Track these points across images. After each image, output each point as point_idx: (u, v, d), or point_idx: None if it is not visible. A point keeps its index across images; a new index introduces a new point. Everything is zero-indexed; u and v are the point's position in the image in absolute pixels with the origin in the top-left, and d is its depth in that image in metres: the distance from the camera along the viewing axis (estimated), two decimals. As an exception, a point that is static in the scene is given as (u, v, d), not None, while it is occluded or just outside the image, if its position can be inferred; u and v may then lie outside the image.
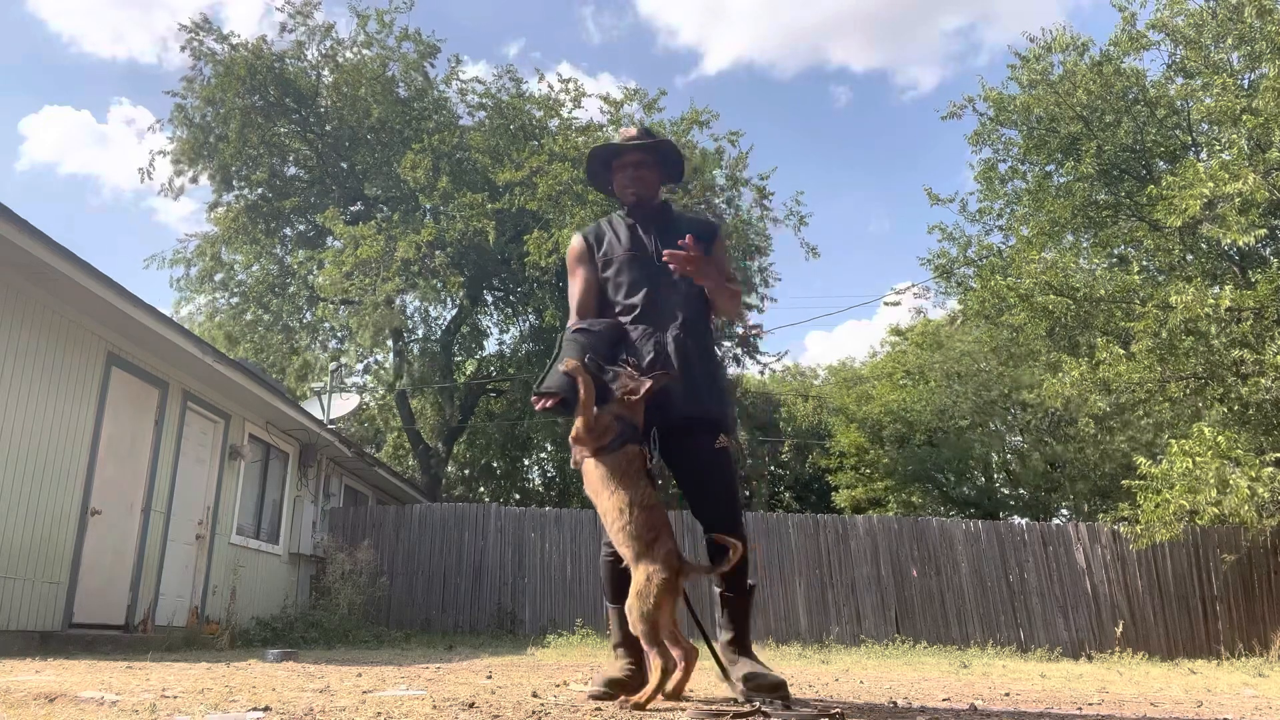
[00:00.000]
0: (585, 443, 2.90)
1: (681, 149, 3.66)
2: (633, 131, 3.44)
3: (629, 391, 2.90)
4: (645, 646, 2.66)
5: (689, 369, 3.07)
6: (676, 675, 2.66)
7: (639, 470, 2.84)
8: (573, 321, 3.25)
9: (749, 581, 3.21)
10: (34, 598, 6.61)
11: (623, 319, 3.21)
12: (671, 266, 3.02)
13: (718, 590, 3.18)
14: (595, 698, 2.92)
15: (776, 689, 2.87)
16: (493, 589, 12.12)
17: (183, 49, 17.13)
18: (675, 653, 2.63)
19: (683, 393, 3.03)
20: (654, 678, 2.61)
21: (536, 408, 3.02)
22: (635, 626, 2.66)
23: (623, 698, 2.77)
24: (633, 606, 2.67)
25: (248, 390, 9.23)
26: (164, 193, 17.98)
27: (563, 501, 21.84)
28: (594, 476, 2.88)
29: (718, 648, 3.11)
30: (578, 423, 2.91)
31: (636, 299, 3.22)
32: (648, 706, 2.59)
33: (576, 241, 3.42)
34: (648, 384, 2.91)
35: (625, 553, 2.79)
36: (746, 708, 2.70)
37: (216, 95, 16.89)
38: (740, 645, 3.13)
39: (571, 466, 3.08)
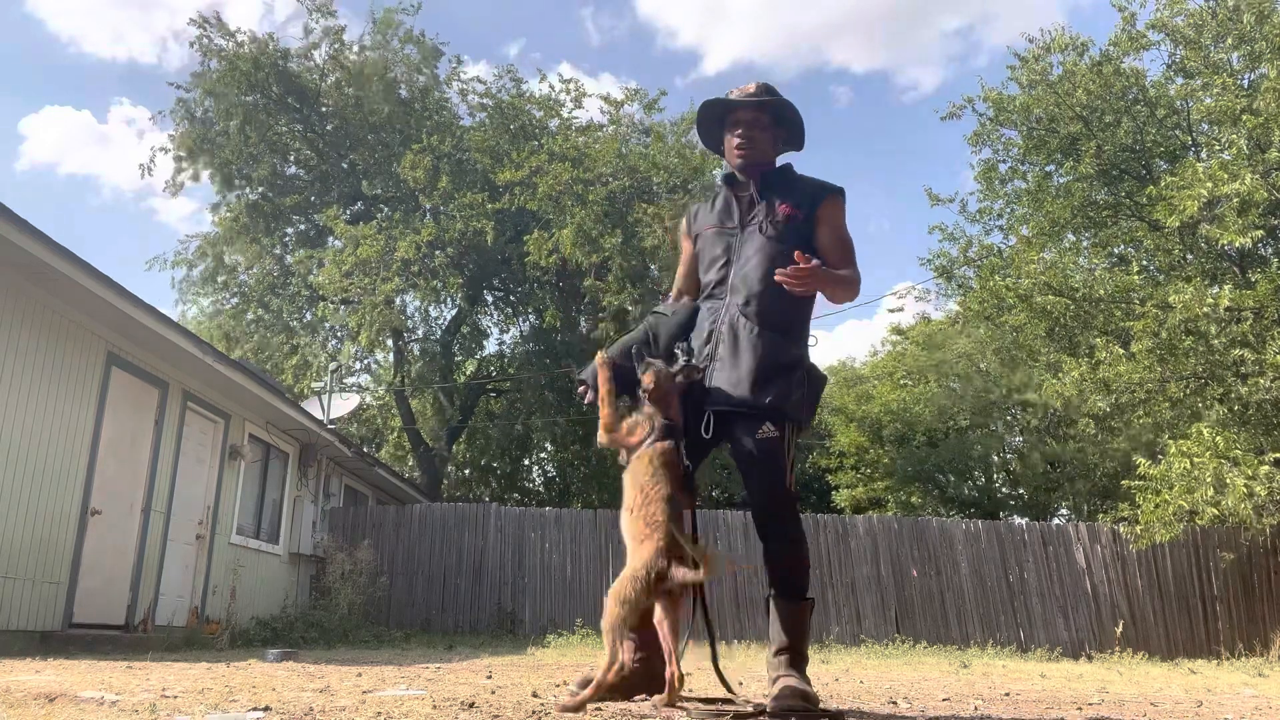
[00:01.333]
0: (618, 442, 2.87)
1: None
2: (752, 88, 3.13)
3: (646, 389, 2.87)
4: (605, 638, 2.58)
5: (737, 353, 2.91)
6: (591, 685, 2.54)
7: (660, 465, 2.75)
8: (667, 302, 3.26)
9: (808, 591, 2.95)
10: (34, 598, 6.61)
11: (701, 294, 3.13)
12: (786, 287, 2.80)
13: (768, 595, 2.95)
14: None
15: (805, 699, 2.68)
16: (493, 589, 12.12)
17: (192, 44, 17.17)
18: (607, 657, 2.51)
19: (729, 378, 2.89)
20: (598, 674, 2.55)
21: (579, 391, 3.06)
22: (604, 615, 2.59)
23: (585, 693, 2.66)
24: (609, 595, 2.59)
25: (248, 390, 9.23)
26: (167, 189, 17.96)
27: (563, 501, 21.81)
28: (626, 472, 2.84)
29: (766, 656, 2.95)
30: (600, 421, 2.89)
31: (712, 274, 3.08)
32: (584, 706, 2.51)
33: (683, 220, 3.33)
34: (668, 383, 2.86)
35: (627, 545, 2.73)
36: (747, 708, 2.69)
37: (219, 89, 16.91)
38: (789, 658, 2.84)
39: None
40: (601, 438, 2.90)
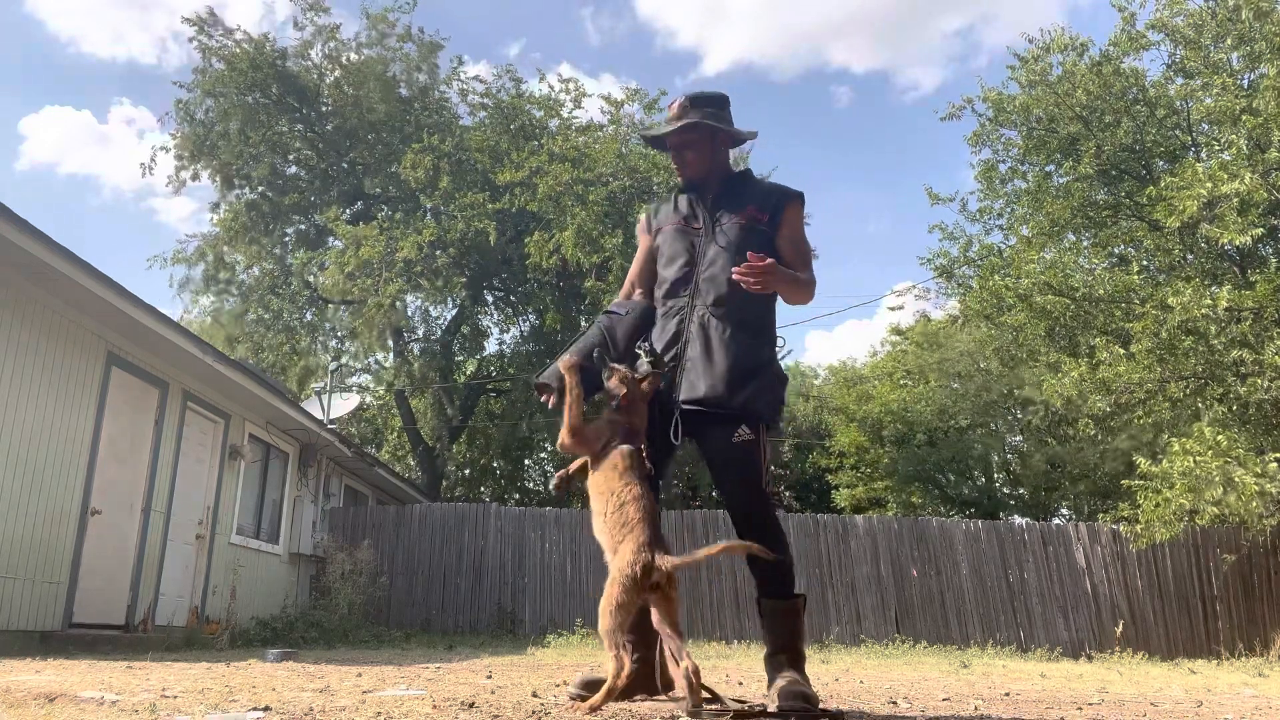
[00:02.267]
0: (582, 446, 2.85)
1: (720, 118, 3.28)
2: (674, 110, 3.20)
3: (613, 397, 2.86)
4: (604, 645, 2.56)
5: (710, 354, 2.91)
6: (602, 691, 2.51)
7: (625, 467, 2.74)
8: (617, 300, 3.25)
9: (796, 589, 2.96)
10: (34, 598, 6.61)
11: (659, 290, 3.12)
12: (744, 285, 2.83)
13: (757, 598, 2.96)
14: (572, 699, 2.82)
15: (805, 699, 2.68)
16: (493, 589, 12.12)
17: (190, 40, 17.13)
18: (612, 664, 2.48)
19: (702, 378, 2.89)
20: (608, 680, 2.52)
21: (541, 399, 3.01)
22: (600, 623, 2.57)
23: (576, 703, 2.65)
24: (601, 603, 2.56)
25: (248, 390, 9.23)
26: (170, 184, 17.88)
27: (563, 501, 21.82)
28: (590, 480, 2.84)
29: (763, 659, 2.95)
30: (564, 423, 2.86)
31: (673, 272, 3.09)
32: (601, 708, 2.49)
33: (641, 216, 3.37)
34: (634, 389, 2.85)
35: (605, 550, 2.70)
36: (748, 708, 2.69)
37: (218, 89, 16.88)
38: (785, 657, 2.85)
39: (552, 489, 3.00)
40: (564, 439, 2.86)
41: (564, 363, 2.94)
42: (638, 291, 3.25)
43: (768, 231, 3.07)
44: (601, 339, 3.06)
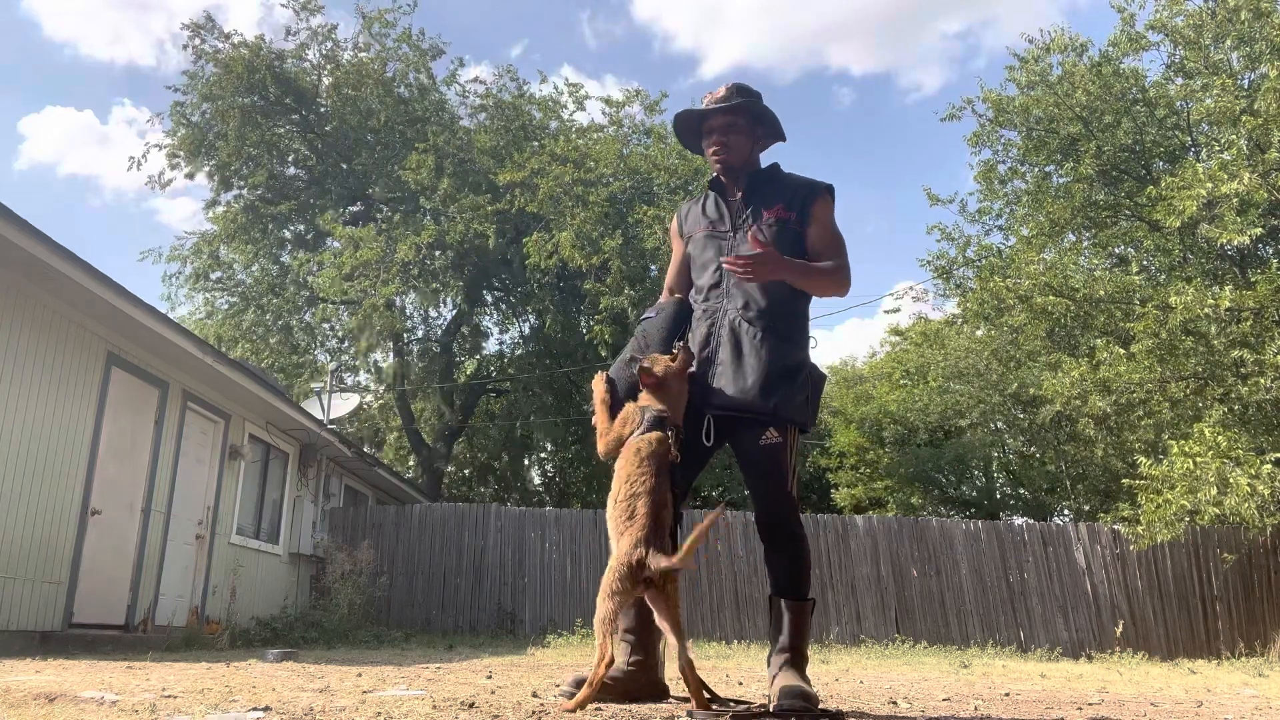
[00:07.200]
0: (614, 440, 2.84)
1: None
2: (720, 93, 3.14)
3: (644, 369, 2.84)
4: (596, 635, 2.54)
5: (740, 357, 2.90)
6: (584, 688, 2.49)
7: (647, 455, 2.72)
8: (658, 303, 3.25)
9: (810, 592, 2.97)
10: (34, 598, 6.61)
11: (695, 298, 3.11)
12: (733, 274, 2.85)
13: (770, 595, 2.98)
14: (563, 697, 2.79)
15: (805, 698, 2.68)
16: (493, 589, 12.12)
17: (184, 47, 17.13)
18: (597, 653, 2.47)
19: (732, 382, 2.89)
20: (592, 670, 2.50)
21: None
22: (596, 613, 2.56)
23: (566, 704, 2.61)
24: (599, 593, 2.55)
25: (248, 390, 9.23)
26: (150, 184, 17.83)
27: (563, 501, 21.83)
28: (617, 462, 2.81)
29: (769, 656, 2.95)
30: (598, 425, 2.89)
31: (705, 278, 3.08)
32: (585, 706, 2.48)
33: (672, 221, 3.33)
34: (664, 368, 2.84)
35: (610, 536, 2.70)
36: (748, 708, 2.69)
37: (215, 92, 16.85)
38: (788, 657, 2.87)
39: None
40: (600, 447, 2.87)
41: (597, 377, 2.98)
42: (675, 295, 3.25)
43: (797, 229, 3.02)
44: (639, 345, 3.07)
